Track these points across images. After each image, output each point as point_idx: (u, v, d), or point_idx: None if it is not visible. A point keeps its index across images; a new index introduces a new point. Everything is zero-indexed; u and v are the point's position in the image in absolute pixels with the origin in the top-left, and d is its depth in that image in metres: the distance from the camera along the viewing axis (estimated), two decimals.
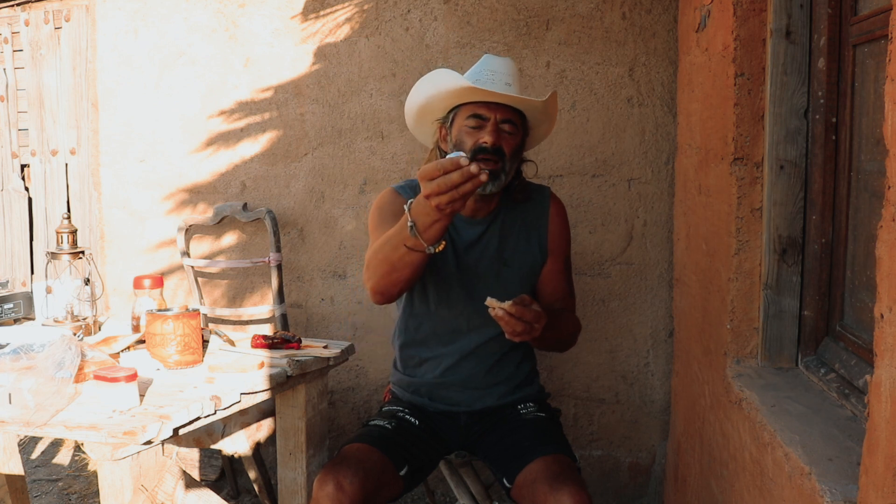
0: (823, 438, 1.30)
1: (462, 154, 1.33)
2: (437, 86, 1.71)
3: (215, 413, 1.65)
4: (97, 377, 1.58)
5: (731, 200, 1.75)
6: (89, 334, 2.18)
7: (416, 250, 1.47)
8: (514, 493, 1.70)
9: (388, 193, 1.85)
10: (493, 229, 1.85)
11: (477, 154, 1.67)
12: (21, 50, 3.24)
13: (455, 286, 1.85)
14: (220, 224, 2.93)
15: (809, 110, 1.63)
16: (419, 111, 1.81)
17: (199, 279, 3.00)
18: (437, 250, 1.47)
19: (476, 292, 1.82)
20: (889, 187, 0.93)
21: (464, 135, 1.71)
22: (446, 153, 1.76)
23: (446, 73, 1.70)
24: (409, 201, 1.44)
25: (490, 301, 1.50)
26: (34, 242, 3.32)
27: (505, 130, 1.70)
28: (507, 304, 1.50)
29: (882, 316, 0.95)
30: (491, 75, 1.70)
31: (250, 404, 1.79)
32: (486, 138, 1.67)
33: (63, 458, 3.21)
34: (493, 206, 1.85)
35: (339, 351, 2.01)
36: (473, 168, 1.29)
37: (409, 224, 1.43)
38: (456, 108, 1.75)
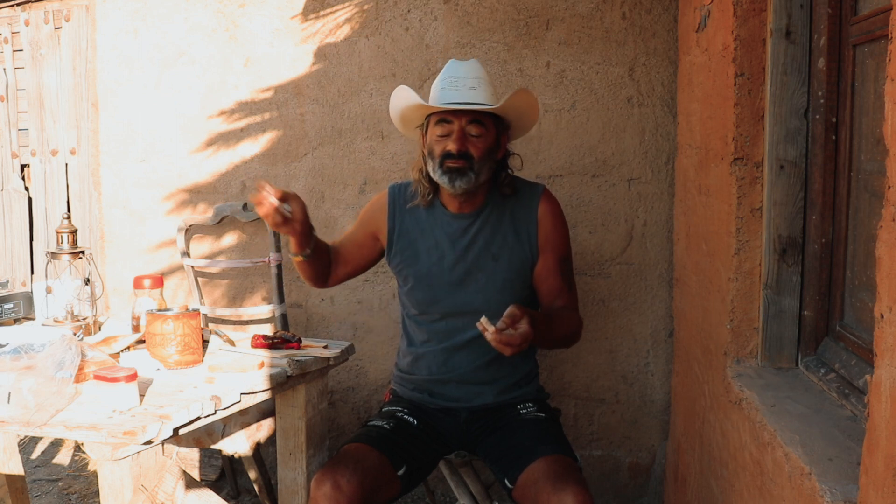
0: (823, 438, 1.30)
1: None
2: (399, 103, 1.86)
3: (215, 413, 1.65)
4: (97, 377, 1.58)
5: (731, 200, 1.75)
6: (89, 334, 2.18)
7: (294, 255, 1.90)
8: (516, 493, 1.70)
9: (378, 196, 2.01)
10: (482, 224, 1.88)
11: (445, 160, 1.77)
12: (21, 50, 3.24)
13: (444, 280, 1.88)
14: (220, 224, 2.93)
15: (809, 110, 1.63)
16: (400, 123, 1.95)
17: (199, 279, 3.00)
18: (297, 258, 1.88)
19: (465, 285, 1.87)
20: (889, 187, 0.93)
21: (434, 143, 1.81)
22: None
23: (405, 91, 1.83)
24: None
25: (481, 323, 1.57)
26: (34, 242, 3.32)
27: (471, 134, 1.77)
28: (491, 329, 1.55)
29: (882, 316, 0.95)
30: (454, 82, 1.78)
31: (250, 404, 1.79)
32: (450, 146, 1.76)
33: (63, 458, 3.21)
34: (480, 202, 1.89)
35: (339, 351, 2.01)
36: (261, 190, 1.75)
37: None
38: (429, 115, 1.84)
